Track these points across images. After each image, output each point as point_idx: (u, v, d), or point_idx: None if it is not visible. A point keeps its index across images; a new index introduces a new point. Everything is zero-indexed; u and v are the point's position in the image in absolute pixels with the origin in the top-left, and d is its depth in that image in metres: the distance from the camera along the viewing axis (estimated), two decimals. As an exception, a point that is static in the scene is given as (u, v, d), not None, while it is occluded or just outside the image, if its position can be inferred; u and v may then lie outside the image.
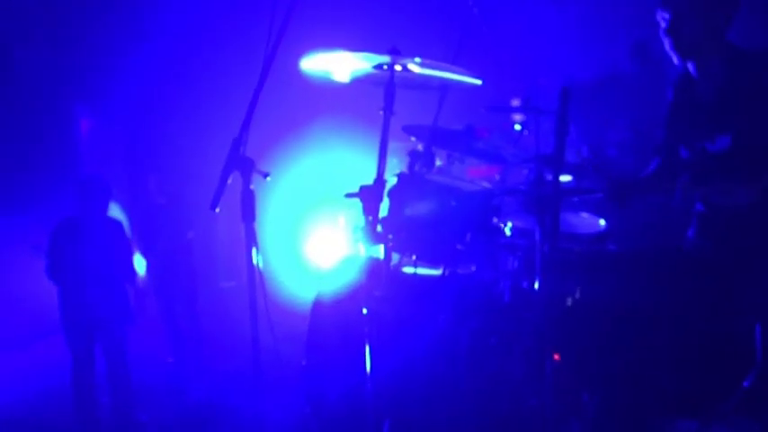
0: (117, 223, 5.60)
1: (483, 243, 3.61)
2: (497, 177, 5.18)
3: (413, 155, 3.97)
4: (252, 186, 3.12)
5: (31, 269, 5.80)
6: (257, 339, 3.20)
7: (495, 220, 3.93)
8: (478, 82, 3.96)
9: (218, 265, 8.97)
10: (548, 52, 7.20)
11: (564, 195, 3.56)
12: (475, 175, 5.57)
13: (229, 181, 3.11)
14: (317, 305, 4.40)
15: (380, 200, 3.29)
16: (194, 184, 6.74)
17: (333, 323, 4.17)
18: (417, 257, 3.72)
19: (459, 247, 3.61)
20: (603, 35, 7.11)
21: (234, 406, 5.64)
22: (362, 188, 3.32)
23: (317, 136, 8.05)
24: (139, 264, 6.47)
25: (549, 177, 2.93)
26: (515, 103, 6.56)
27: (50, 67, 8.26)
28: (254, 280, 3.19)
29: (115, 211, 7.81)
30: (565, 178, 4.29)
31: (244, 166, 3.11)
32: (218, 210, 3.08)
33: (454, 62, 3.84)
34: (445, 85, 4.20)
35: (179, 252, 6.88)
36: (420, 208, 3.61)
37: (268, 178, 3.20)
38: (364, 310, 3.30)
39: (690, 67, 3.42)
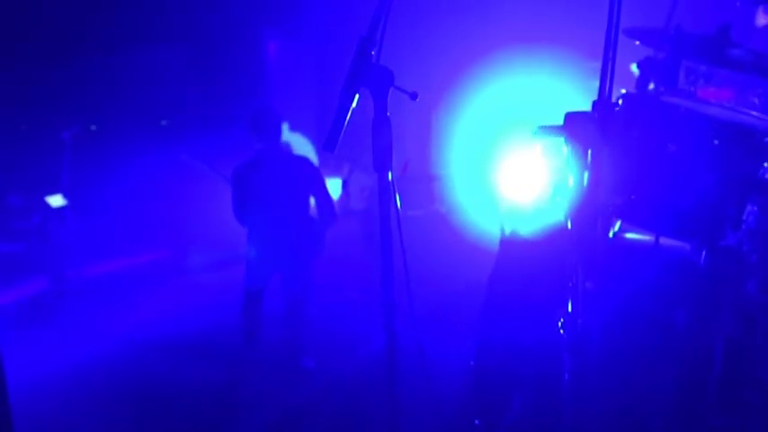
0: (301, 159, 4.67)
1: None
2: (756, 101, 3.40)
3: (646, 66, 2.38)
4: (389, 113, 1.78)
5: (220, 195, 5.12)
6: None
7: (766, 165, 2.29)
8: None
9: (406, 192, 7.78)
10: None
11: None
12: (712, 98, 3.82)
13: (354, 104, 1.78)
14: (504, 255, 3.06)
15: (606, 137, 1.75)
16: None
17: (522, 285, 2.80)
18: (656, 228, 2.18)
19: (723, 212, 2.04)
20: None
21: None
22: (570, 117, 1.81)
23: (512, 46, 6.42)
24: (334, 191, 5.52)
25: None
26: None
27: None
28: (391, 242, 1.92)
29: (299, 141, 6.90)
30: None
31: (376, 81, 1.76)
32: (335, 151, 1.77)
33: None
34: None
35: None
36: (660, 149, 2.06)
37: (417, 99, 1.84)
38: (560, 322, 1.87)
39: None
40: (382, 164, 1.77)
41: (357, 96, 1.77)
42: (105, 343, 5.12)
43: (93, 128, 7.75)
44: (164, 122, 8.25)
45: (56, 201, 6.14)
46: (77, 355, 4.92)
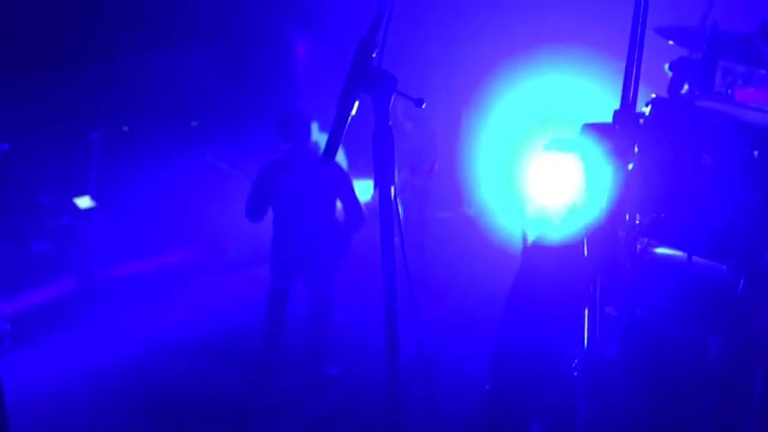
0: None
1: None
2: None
3: (679, 66, 2.16)
4: (390, 122, 1.60)
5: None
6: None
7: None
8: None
9: (434, 194, 7.62)
10: None
11: None
12: (750, 100, 3.55)
13: (353, 111, 1.61)
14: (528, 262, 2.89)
15: (628, 151, 1.54)
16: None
17: (543, 301, 2.60)
18: (689, 248, 1.95)
19: (763, 230, 1.81)
20: None
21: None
22: (587, 130, 1.61)
23: (543, 46, 6.19)
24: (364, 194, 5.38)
25: None
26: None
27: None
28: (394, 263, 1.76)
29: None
30: None
31: (377, 87, 1.59)
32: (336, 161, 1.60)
33: None
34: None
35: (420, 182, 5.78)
36: (693, 160, 1.85)
37: (423, 106, 1.65)
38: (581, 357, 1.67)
39: None
40: (383, 178, 1.58)
41: (357, 103, 1.59)
42: (130, 344, 5.08)
43: (125, 129, 7.71)
44: (194, 123, 8.19)
45: (84, 202, 6.10)
46: (102, 355, 4.87)
